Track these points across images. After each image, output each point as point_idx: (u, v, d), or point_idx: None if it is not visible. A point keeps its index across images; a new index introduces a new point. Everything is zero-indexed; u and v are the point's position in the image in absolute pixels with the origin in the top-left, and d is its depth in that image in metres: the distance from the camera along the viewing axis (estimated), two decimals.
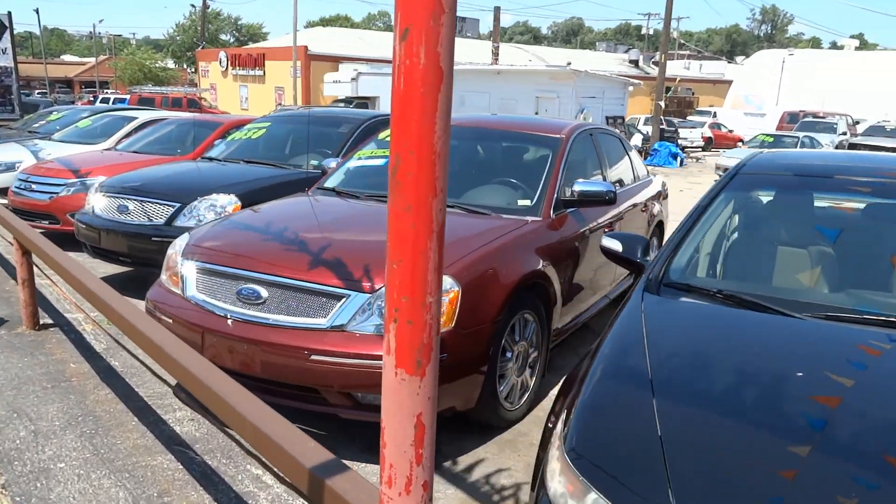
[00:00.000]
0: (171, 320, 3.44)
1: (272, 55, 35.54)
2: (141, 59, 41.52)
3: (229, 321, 3.24)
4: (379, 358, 2.95)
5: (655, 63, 54.65)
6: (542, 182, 4.28)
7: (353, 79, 23.74)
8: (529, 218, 3.98)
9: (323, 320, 3.11)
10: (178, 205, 5.50)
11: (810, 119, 26.55)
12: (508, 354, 3.55)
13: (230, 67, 37.51)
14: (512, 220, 3.91)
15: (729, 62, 59.57)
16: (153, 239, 5.40)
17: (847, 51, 40.85)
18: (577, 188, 4.25)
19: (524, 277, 3.57)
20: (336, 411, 3.13)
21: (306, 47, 33.48)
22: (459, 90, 24.07)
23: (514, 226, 3.81)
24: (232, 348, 3.20)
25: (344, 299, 3.11)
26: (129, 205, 5.67)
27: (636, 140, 22.80)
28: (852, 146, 23.33)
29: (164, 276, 3.79)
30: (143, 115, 10.61)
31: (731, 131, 30.79)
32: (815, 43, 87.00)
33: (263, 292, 3.23)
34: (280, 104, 33.90)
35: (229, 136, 8.64)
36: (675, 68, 47.51)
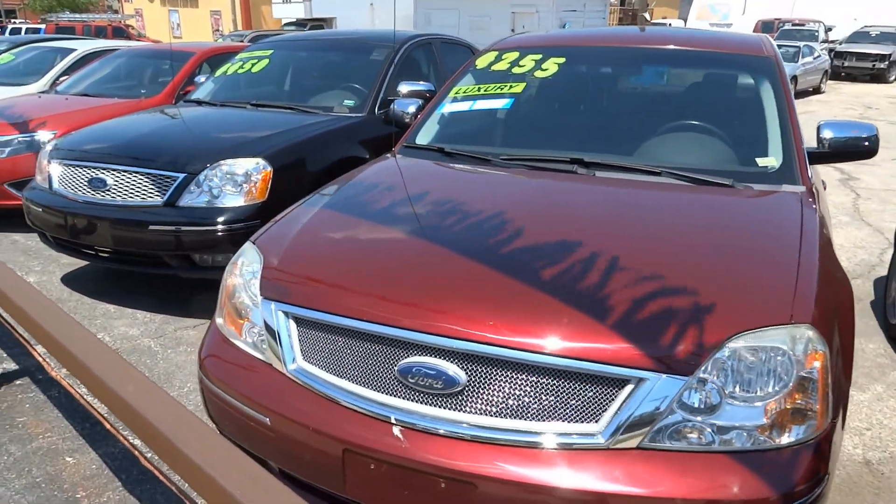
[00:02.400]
0: (267, 419, 1.90)
1: None
2: None
3: (396, 428, 1.73)
4: None
5: None
6: (776, 128, 2.79)
7: None
8: (794, 188, 2.52)
9: (593, 427, 1.63)
10: (181, 175, 3.80)
11: (789, 27, 25.33)
12: None
13: None
14: (783, 197, 2.44)
15: None
16: (150, 228, 3.73)
17: None
18: (828, 134, 2.80)
19: None
20: None
21: None
22: (423, 8, 21.97)
23: (806, 208, 2.34)
24: (413, 486, 1.71)
25: (630, 387, 1.63)
26: (107, 176, 3.94)
27: None
28: (838, 55, 22.30)
29: (220, 321, 2.22)
30: (83, 46, 8.51)
31: None
32: None
33: (457, 373, 1.72)
34: (218, 30, 30.94)
35: (215, 70, 6.83)
36: None
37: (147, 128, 4.43)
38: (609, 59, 3.36)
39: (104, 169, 3.96)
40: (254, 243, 2.32)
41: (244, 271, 2.22)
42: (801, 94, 17.55)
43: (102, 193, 3.91)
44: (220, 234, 3.72)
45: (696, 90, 3.26)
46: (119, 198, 3.87)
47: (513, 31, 20.11)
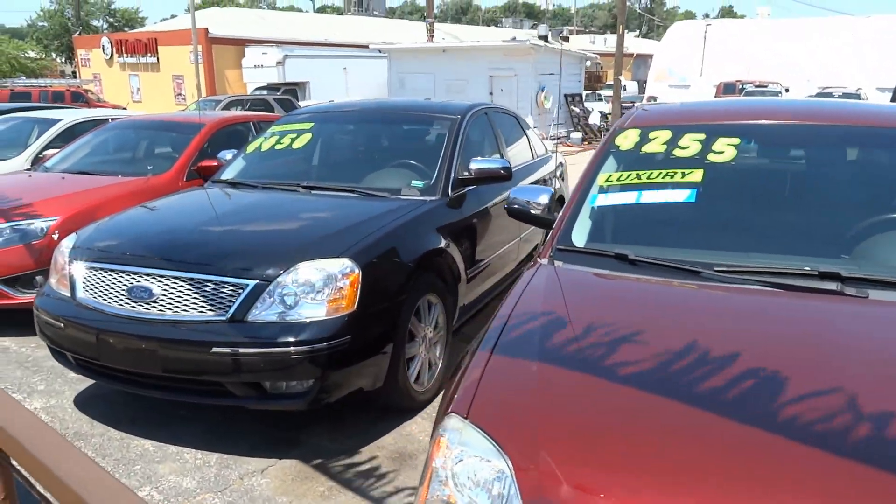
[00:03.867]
0: None
1: (166, 39, 31.59)
2: (8, 49, 35.77)
3: None
4: None
5: (564, 38, 54.30)
6: None
7: (278, 62, 20.77)
8: None
9: None
10: (250, 283, 3.06)
11: (753, 88, 25.98)
12: None
13: (116, 55, 33.12)
14: None
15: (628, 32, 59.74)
16: (214, 350, 2.96)
17: (760, 19, 41.28)
18: None
19: None
20: None
21: (207, 29, 29.88)
22: (398, 71, 21.80)
23: None
24: None
25: None
26: (153, 284, 3.17)
27: (595, 118, 21.28)
28: None
29: None
30: (69, 116, 7.72)
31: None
32: (689, 15, 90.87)
33: None
34: (181, 94, 30.35)
35: (219, 142, 6.16)
36: (581, 43, 46.80)
37: (190, 220, 3.68)
38: (797, 141, 2.79)
39: (148, 275, 3.19)
40: (465, 419, 1.60)
41: (465, 466, 1.51)
42: None
43: (147, 305, 3.13)
44: (295, 356, 2.97)
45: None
46: (169, 311, 3.10)
47: (490, 94, 19.96)
